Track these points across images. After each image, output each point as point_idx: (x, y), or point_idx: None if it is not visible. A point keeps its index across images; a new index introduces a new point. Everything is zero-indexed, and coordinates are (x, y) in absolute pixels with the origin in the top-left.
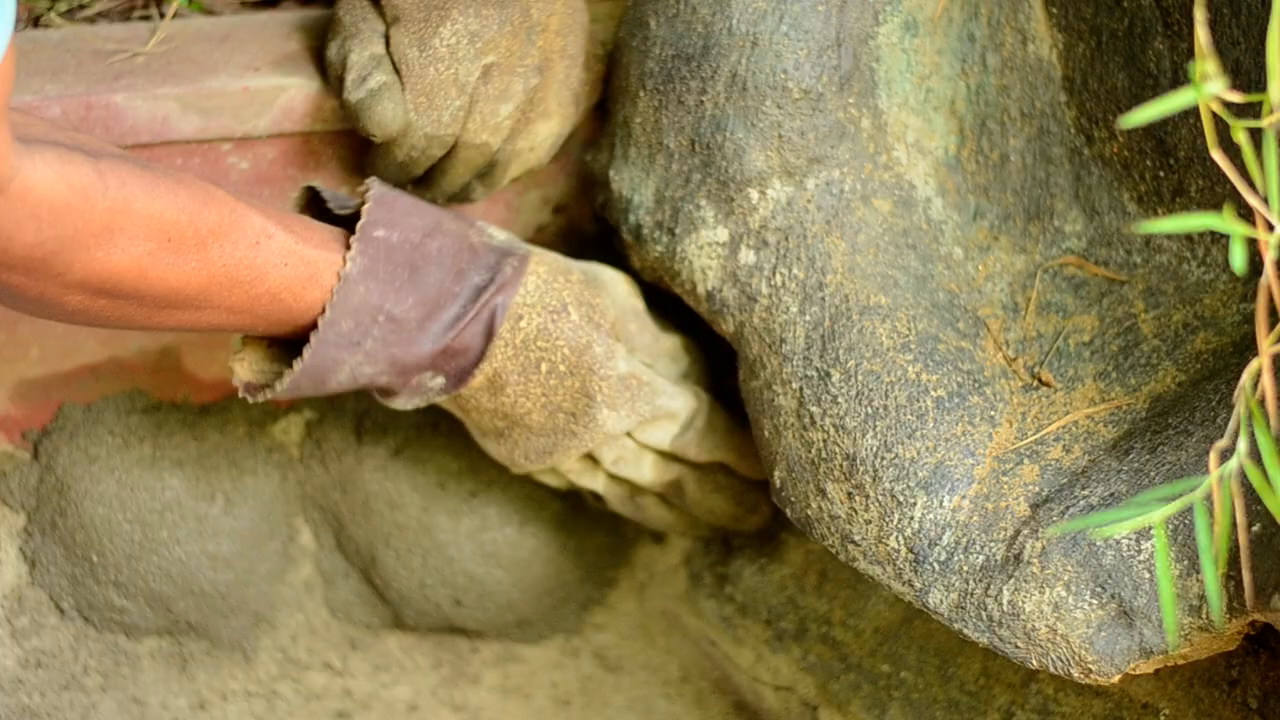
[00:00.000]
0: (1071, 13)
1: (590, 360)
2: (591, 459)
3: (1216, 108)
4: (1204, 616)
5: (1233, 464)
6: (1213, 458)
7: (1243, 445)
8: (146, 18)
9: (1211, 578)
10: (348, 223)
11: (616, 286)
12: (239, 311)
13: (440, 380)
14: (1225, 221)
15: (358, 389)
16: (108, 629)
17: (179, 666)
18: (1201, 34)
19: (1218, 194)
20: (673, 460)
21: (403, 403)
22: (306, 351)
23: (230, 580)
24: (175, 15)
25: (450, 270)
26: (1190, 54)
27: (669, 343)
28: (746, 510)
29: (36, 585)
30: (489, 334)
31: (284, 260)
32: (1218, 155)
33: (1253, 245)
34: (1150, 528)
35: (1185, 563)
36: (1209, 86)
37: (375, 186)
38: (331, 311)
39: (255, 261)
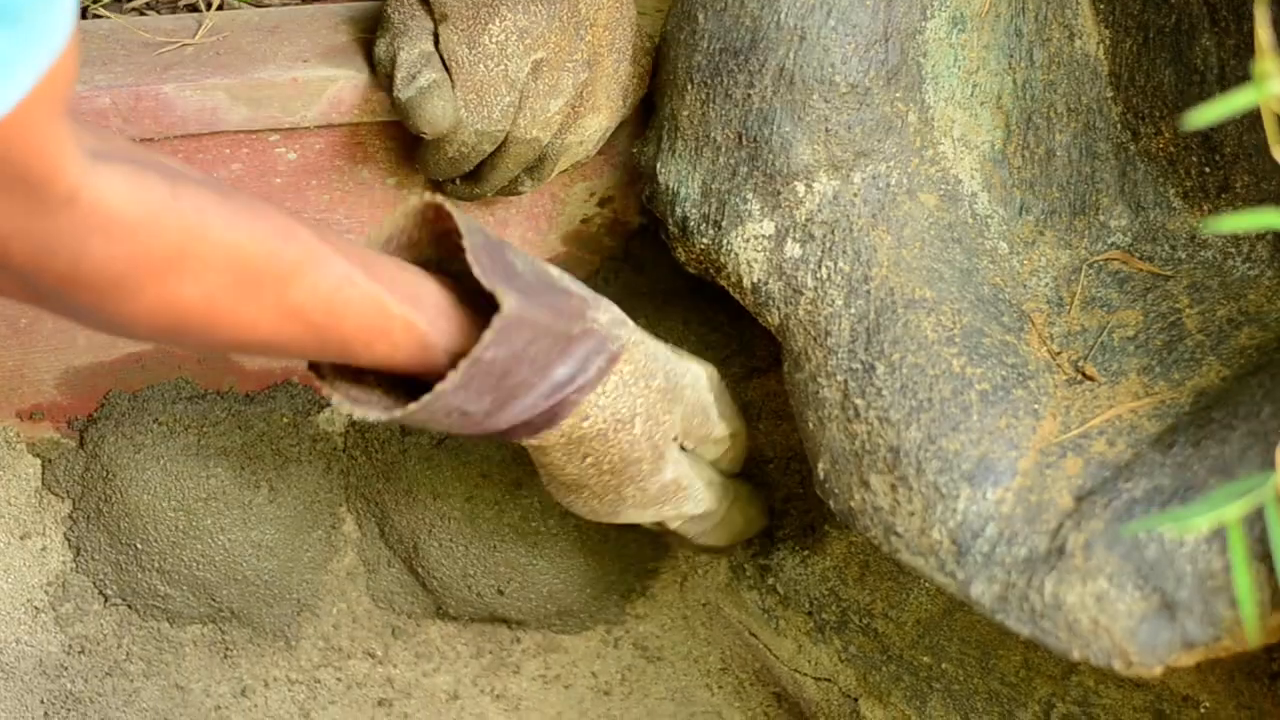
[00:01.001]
0: (1118, 8)
1: (634, 472)
2: None
3: (1278, 107)
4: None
5: None
6: (1279, 453)
7: None
8: (194, 9)
9: None
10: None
11: (698, 385)
12: (300, 354)
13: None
14: None
15: None
16: (151, 616)
17: (222, 653)
18: (1262, 33)
19: (1264, 190)
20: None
21: None
22: (373, 413)
23: (274, 568)
24: (223, 7)
25: (539, 366)
26: (1237, 51)
27: (720, 431)
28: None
29: (81, 572)
30: (551, 421)
31: (363, 309)
32: (1279, 153)
33: None
34: (1195, 532)
35: (1230, 556)
36: (1271, 85)
37: (509, 305)
38: (412, 415)
39: (333, 307)
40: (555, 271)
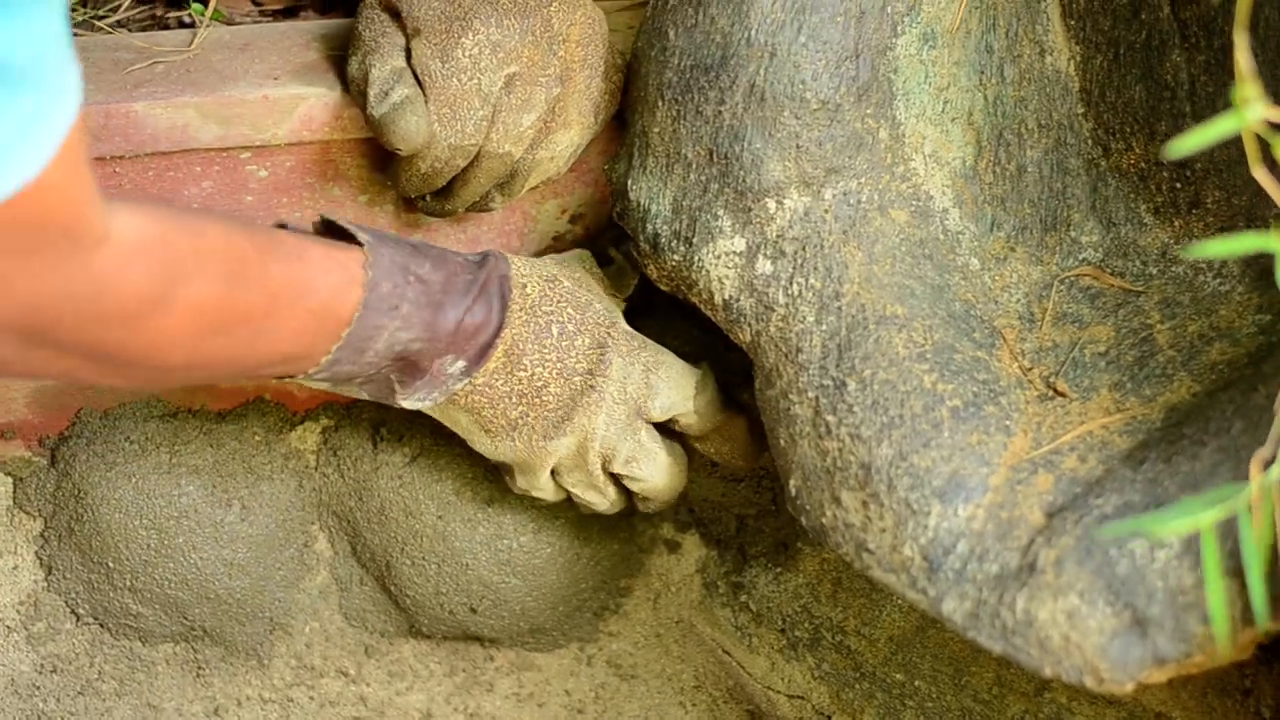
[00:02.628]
0: (1089, 25)
1: (595, 315)
2: (603, 468)
3: (1262, 130)
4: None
5: (1276, 473)
6: (1254, 466)
7: None
8: (167, 27)
9: (1258, 585)
10: None
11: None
12: (303, 332)
13: (460, 364)
14: (1274, 242)
15: (390, 362)
16: (123, 635)
17: (194, 672)
18: (1242, 58)
19: (1234, 205)
20: (681, 460)
21: (421, 394)
22: (355, 317)
23: (246, 586)
24: (190, 25)
25: (443, 252)
26: (1207, 67)
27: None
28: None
29: (53, 591)
30: (503, 304)
31: (325, 268)
32: (1259, 173)
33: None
34: (1165, 539)
35: (1201, 571)
36: (1253, 111)
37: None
38: (373, 271)
39: (304, 275)
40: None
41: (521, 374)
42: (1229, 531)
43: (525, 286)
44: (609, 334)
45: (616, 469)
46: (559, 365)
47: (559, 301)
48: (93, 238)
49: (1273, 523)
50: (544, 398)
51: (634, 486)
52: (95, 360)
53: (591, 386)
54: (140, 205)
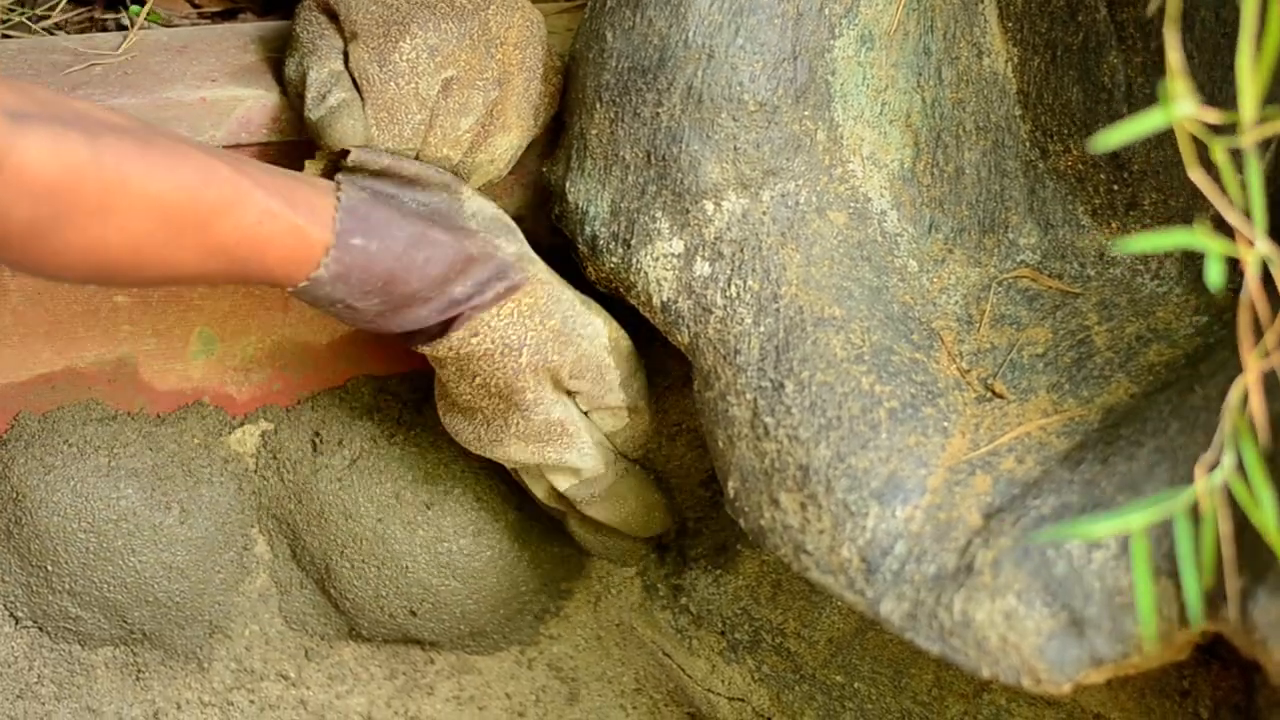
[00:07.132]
0: (1026, 27)
1: (518, 399)
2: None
3: (1194, 128)
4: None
5: (1219, 478)
6: (1198, 470)
7: (1228, 460)
8: (105, 29)
9: (1193, 588)
10: None
11: (596, 339)
12: (229, 279)
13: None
14: (1202, 239)
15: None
16: (63, 638)
17: (134, 676)
18: (1173, 55)
19: (1171, 207)
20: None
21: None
22: (301, 288)
23: (185, 590)
24: (128, 27)
25: (434, 281)
26: (1144, 68)
27: (616, 398)
28: (625, 548)
29: None
30: (442, 331)
31: (285, 240)
32: (1195, 174)
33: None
34: (1102, 540)
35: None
36: (1183, 107)
37: (346, 193)
38: (299, 293)
39: (256, 238)
40: (466, 213)
41: (442, 373)
42: (1164, 534)
43: (476, 335)
44: (519, 419)
45: (569, 387)
46: (470, 399)
47: (495, 369)
48: None
49: (1217, 525)
50: (462, 405)
51: (596, 404)
52: None
53: (494, 440)
54: (62, 136)
